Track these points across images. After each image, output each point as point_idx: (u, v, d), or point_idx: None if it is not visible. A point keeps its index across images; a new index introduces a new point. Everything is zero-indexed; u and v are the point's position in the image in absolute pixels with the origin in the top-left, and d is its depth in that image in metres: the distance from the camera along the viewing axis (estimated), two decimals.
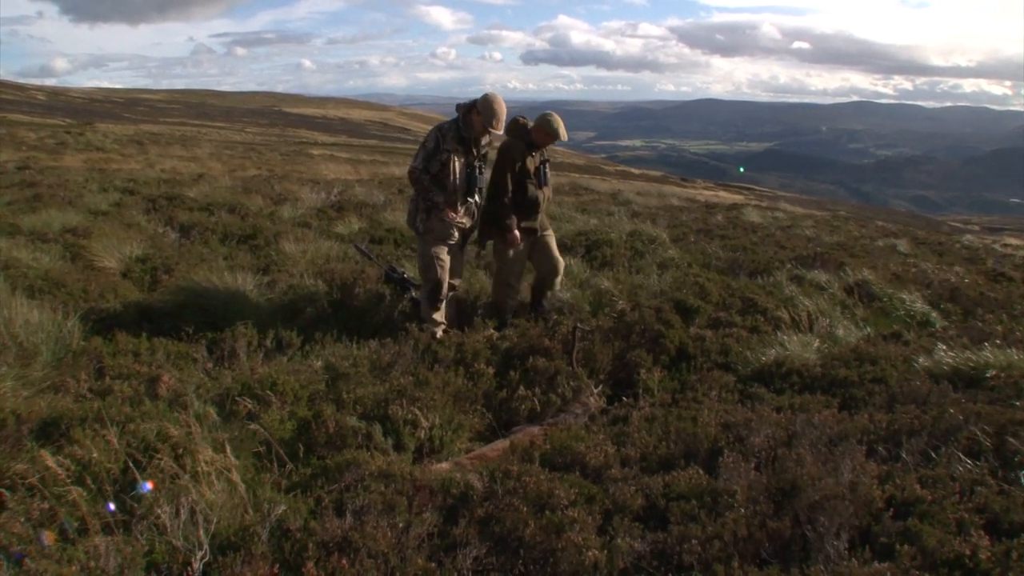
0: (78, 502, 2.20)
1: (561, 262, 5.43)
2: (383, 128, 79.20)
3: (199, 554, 2.08)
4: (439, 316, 4.86)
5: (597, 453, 2.90)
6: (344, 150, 36.20)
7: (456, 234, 4.87)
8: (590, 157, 79.96)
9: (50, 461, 2.29)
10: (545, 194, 5.19)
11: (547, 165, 5.23)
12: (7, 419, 2.68)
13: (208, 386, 3.48)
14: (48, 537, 2.07)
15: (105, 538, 2.06)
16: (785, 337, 4.69)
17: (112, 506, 2.28)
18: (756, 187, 56.51)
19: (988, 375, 3.97)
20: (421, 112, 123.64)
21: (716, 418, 3.27)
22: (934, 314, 6.18)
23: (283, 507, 2.30)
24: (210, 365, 4.01)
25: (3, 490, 2.27)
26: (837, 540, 2.18)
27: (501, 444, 3.27)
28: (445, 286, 4.82)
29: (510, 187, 4.94)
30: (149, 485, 2.33)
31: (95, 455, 2.41)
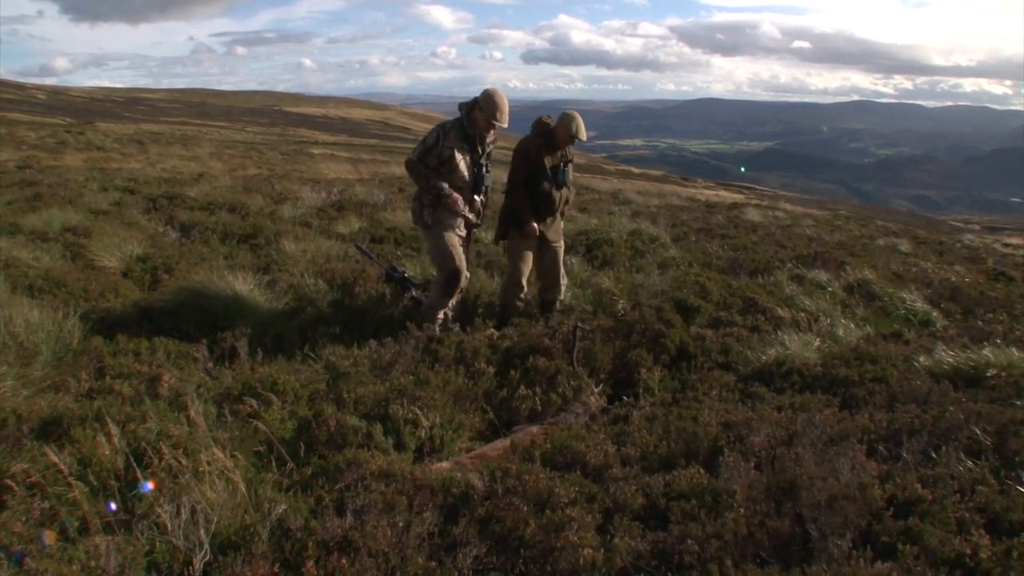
0: (79, 501, 2.20)
1: (563, 280, 5.37)
2: (384, 127, 79.20)
3: (200, 553, 2.08)
4: (449, 309, 4.80)
5: (597, 452, 2.90)
6: (344, 149, 36.21)
7: (463, 227, 4.83)
8: (591, 156, 79.94)
9: (54, 458, 2.29)
10: (563, 195, 5.14)
11: (569, 166, 5.16)
12: (7, 418, 2.68)
13: (209, 385, 3.48)
14: (49, 536, 2.07)
15: (106, 537, 2.06)
16: (786, 336, 4.69)
17: (113, 505, 2.28)
18: (757, 186, 56.51)
19: (988, 374, 3.97)
20: (422, 111, 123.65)
21: (716, 417, 3.27)
22: (934, 313, 6.19)
23: (284, 506, 2.30)
24: (211, 364, 4.01)
25: (3, 490, 2.27)
26: (841, 540, 2.18)
27: (501, 443, 3.27)
28: (463, 276, 4.76)
29: (523, 181, 4.95)
30: (150, 485, 2.33)
31: (96, 454, 2.41)
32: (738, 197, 28.45)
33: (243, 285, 5.20)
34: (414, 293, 5.15)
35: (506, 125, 4.61)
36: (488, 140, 4.77)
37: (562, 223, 5.40)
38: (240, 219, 8.70)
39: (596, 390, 3.99)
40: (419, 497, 2.41)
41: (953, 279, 7.73)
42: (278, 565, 2.07)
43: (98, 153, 21.14)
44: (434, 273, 5.03)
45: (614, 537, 2.30)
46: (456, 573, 2.15)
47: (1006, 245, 17.81)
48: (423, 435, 3.17)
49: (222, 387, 3.43)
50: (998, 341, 4.49)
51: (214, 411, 3.03)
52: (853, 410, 3.49)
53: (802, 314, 5.46)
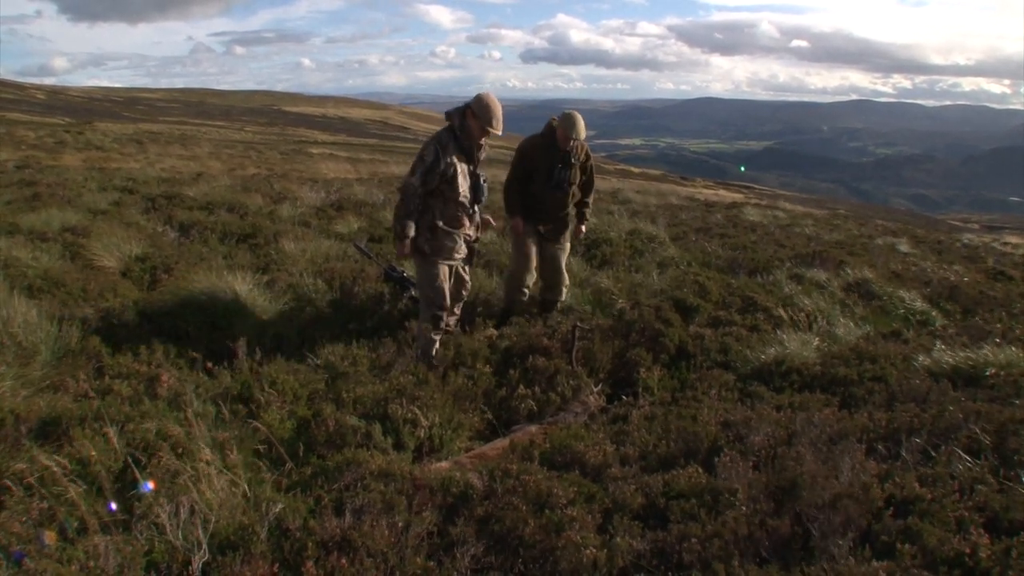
0: (77, 501, 2.20)
1: (564, 281, 5.35)
2: (382, 127, 79.19)
3: (198, 553, 2.08)
4: (439, 335, 4.50)
5: (597, 452, 2.90)
6: (343, 149, 36.19)
7: (463, 248, 4.53)
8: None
9: (51, 459, 2.29)
10: (556, 198, 5.05)
11: (568, 169, 5.02)
12: (6, 418, 2.68)
13: (207, 385, 3.48)
14: (48, 537, 2.07)
15: (104, 537, 2.05)
16: (785, 336, 4.69)
17: (113, 506, 2.28)
18: (756, 186, 56.51)
19: (987, 373, 3.97)
20: (421, 111, 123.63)
21: (716, 417, 3.27)
22: (934, 313, 6.19)
23: (282, 506, 2.30)
24: (209, 364, 4.00)
25: (2, 490, 2.27)
26: (842, 539, 2.18)
27: (501, 443, 3.27)
28: (447, 312, 4.48)
29: (517, 179, 4.95)
30: (151, 484, 2.33)
31: (94, 454, 2.41)
32: (737, 196, 28.47)
33: (242, 285, 5.19)
34: (413, 292, 5.15)
35: (501, 132, 4.29)
36: (482, 149, 4.46)
37: (572, 225, 5.32)
38: (239, 219, 8.69)
39: (595, 389, 3.99)
40: (418, 497, 2.41)
41: (952, 278, 7.74)
42: (277, 565, 2.07)
43: (97, 153, 21.11)
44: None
45: (614, 536, 2.30)
46: (455, 573, 2.15)
47: (1005, 244, 17.82)
48: (422, 435, 3.17)
49: (221, 387, 3.43)
50: (997, 340, 4.49)
51: (213, 411, 3.03)
52: (852, 409, 3.49)
53: (801, 313, 5.46)
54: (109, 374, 3.54)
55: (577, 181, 5.15)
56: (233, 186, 12.45)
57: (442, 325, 4.47)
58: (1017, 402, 3.43)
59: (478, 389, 3.78)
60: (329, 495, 2.45)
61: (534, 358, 4.11)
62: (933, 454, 2.87)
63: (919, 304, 6.30)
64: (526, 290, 5.22)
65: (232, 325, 4.43)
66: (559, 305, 5.39)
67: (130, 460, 2.45)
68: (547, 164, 4.98)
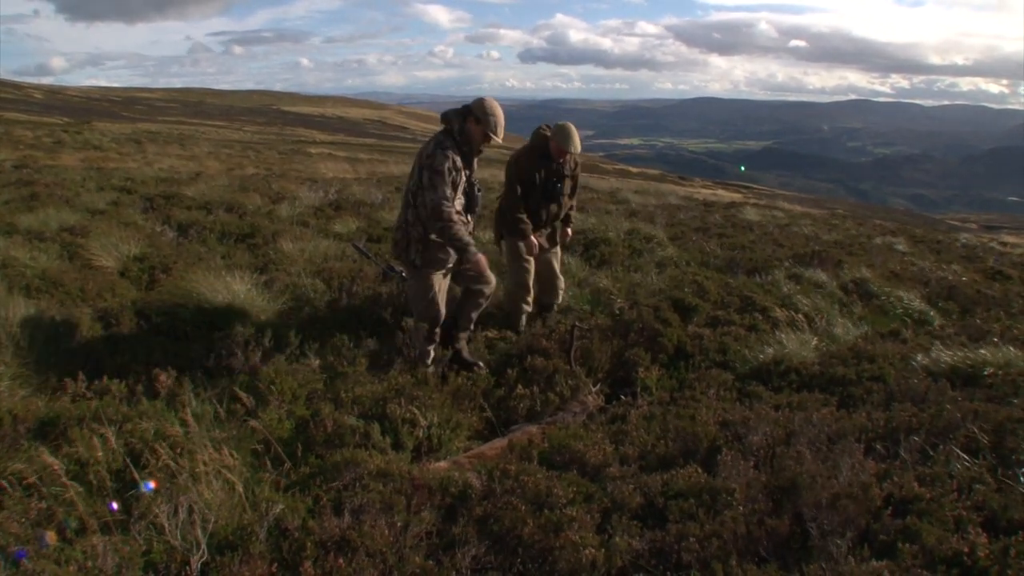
0: (75, 502, 2.20)
1: (560, 284, 5.33)
2: (381, 127, 79.16)
3: (197, 554, 2.08)
4: (433, 348, 4.36)
5: (595, 452, 2.90)
6: (342, 149, 36.17)
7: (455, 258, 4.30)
8: (588, 156, 79.95)
9: (49, 458, 2.28)
10: (551, 210, 5.00)
11: (561, 181, 4.94)
12: (4, 418, 2.68)
13: (206, 385, 3.48)
14: (50, 536, 2.06)
15: (103, 538, 2.05)
16: (783, 335, 4.70)
17: (114, 505, 2.28)
18: (754, 186, 56.56)
19: (986, 373, 3.98)
20: (419, 110, 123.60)
21: (714, 416, 3.27)
22: (932, 312, 6.20)
23: (281, 506, 2.30)
24: (208, 364, 4.00)
25: (0, 490, 2.26)
26: (841, 539, 2.18)
27: (499, 443, 3.27)
28: (440, 322, 4.31)
29: (520, 195, 4.86)
30: (152, 484, 2.33)
31: (93, 454, 2.41)
32: (736, 196, 28.47)
33: (240, 285, 5.18)
34: None
35: (502, 140, 4.11)
36: (479, 155, 4.25)
37: (560, 229, 5.30)
38: (237, 218, 8.68)
39: (594, 389, 3.99)
40: (417, 497, 2.40)
41: (950, 278, 7.75)
42: (276, 565, 2.07)
43: (95, 152, 21.08)
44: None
45: (612, 536, 2.30)
46: (454, 573, 2.15)
47: (1003, 244, 17.85)
48: (421, 434, 3.17)
49: (219, 387, 3.43)
50: (995, 340, 4.50)
51: (211, 411, 3.03)
52: (851, 409, 3.49)
53: (799, 313, 5.47)
54: (107, 374, 3.53)
55: (568, 191, 5.11)
56: (231, 186, 12.44)
57: (436, 338, 4.29)
58: (1015, 401, 3.43)
59: (477, 389, 3.77)
60: (328, 495, 2.45)
61: (533, 358, 4.10)
62: (931, 453, 2.88)
63: (917, 304, 6.31)
64: (530, 299, 5.16)
65: (230, 325, 4.42)
66: (556, 308, 5.39)
67: (128, 460, 2.44)
68: (541, 177, 4.88)
